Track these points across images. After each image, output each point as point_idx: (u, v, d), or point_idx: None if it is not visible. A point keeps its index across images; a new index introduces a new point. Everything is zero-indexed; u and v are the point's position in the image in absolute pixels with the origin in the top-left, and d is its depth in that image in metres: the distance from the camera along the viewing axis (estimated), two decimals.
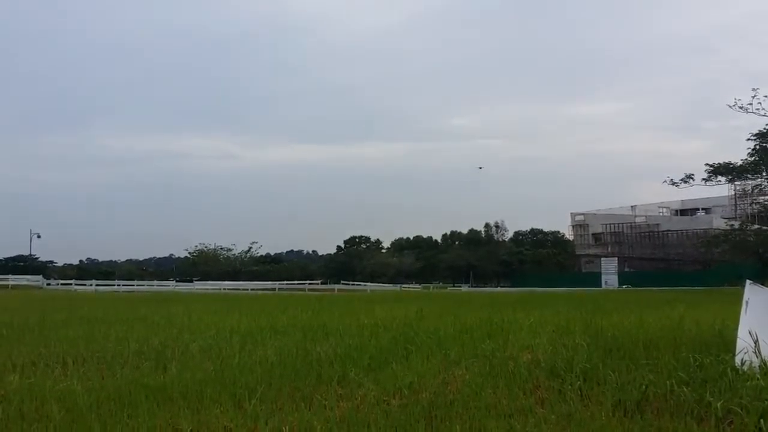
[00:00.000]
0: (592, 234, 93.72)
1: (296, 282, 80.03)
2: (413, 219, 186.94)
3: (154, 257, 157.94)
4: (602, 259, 79.00)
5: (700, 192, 64.85)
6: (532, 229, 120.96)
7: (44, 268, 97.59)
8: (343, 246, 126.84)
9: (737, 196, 71.13)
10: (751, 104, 48.47)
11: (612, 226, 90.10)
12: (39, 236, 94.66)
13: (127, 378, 7.72)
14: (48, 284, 71.68)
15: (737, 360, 6.91)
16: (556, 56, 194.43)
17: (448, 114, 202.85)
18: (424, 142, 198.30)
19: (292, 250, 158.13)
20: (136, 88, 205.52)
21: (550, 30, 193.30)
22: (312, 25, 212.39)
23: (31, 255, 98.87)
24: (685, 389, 6.08)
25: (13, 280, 68.69)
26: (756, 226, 60.41)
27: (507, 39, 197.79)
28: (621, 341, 8.98)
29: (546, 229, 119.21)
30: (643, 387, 6.24)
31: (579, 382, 6.64)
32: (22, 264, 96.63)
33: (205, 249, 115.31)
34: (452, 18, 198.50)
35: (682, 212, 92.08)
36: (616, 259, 77.80)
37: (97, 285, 69.42)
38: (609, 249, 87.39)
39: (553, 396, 6.34)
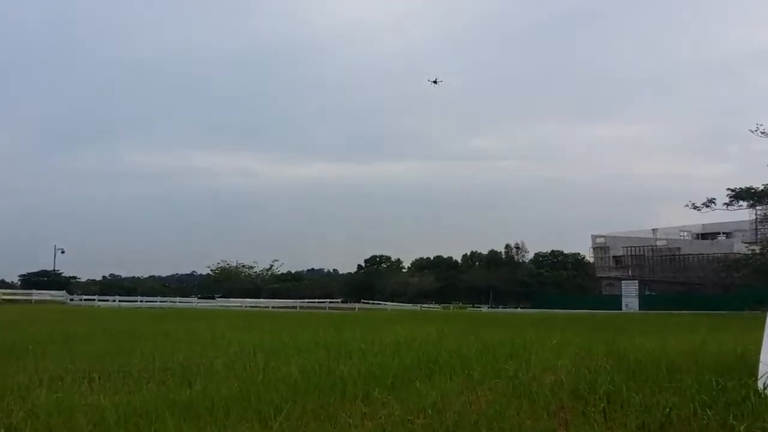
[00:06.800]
0: (613, 256, 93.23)
1: (317, 300, 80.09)
2: (433, 239, 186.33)
3: (177, 274, 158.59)
4: (623, 281, 78.48)
5: (722, 216, 64.55)
6: (553, 251, 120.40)
7: (67, 284, 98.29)
8: (363, 265, 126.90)
9: (758, 220, 70.66)
10: None
11: (633, 249, 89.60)
12: (63, 251, 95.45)
13: (153, 393, 7.80)
14: (71, 299, 72.08)
15: (760, 384, 6.90)
16: (578, 77, 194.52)
17: (468, 134, 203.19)
18: (444, 161, 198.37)
19: (312, 269, 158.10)
20: (159, 104, 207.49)
21: (572, 51, 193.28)
22: (333, 45, 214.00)
23: (54, 270, 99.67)
24: (708, 412, 6.08)
25: (36, 295, 69.48)
26: None
27: (527, 59, 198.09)
28: (644, 364, 8.95)
29: (566, 251, 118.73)
30: (667, 410, 6.24)
31: (603, 404, 6.64)
32: (45, 279, 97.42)
33: (227, 266, 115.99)
34: (473, 39, 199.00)
35: (704, 236, 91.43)
36: (637, 282, 77.21)
37: (120, 301, 69.88)
38: (630, 272, 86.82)
39: (577, 418, 6.35)
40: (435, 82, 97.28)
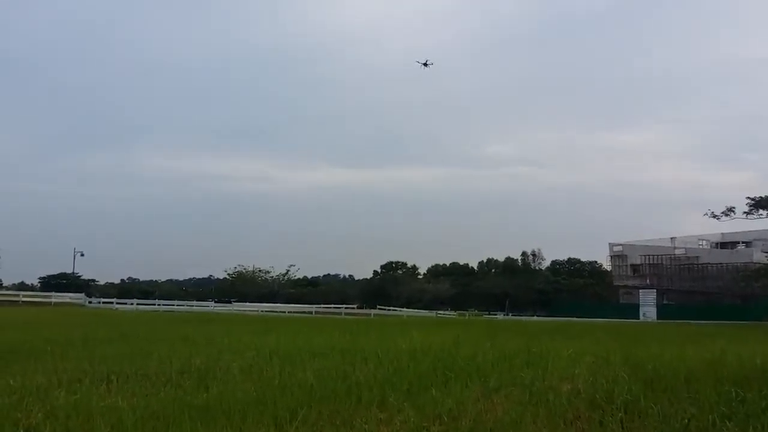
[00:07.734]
0: (631, 265, 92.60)
1: (333, 306, 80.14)
2: (450, 245, 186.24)
3: (194, 278, 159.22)
4: (640, 290, 77.96)
5: (742, 225, 64.04)
6: (570, 259, 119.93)
7: (86, 286, 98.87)
8: (379, 271, 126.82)
9: None
10: None
11: (651, 257, 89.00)
12: (82, 254, 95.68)
13: (170, 396, 7.85)
14: (90, 302, 72.38)
15: None
16: (595, 84, 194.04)
17: (485, 140, 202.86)
18: (460, 167, 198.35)
19: (328, 274, 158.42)
20: (178, 108, 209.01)
21: (589, 58, 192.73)
22: (348, 48, 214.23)
23: (74, 273, 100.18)
24: (728, 423, 6.04)
25: (56, 297, 69.84)
26: None
27: (544, 66, 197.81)
28: (662, 374, 8.90)
29: (584, 259, 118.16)
30: (686, 421, 6.20)
31: (620, 414, 6.60)
32: (64, 282, 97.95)
33: (244, 271, 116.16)
34: (488, 44, 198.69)
35: (723, 245, 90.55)
36: (655, 291, 76.66)
37: (138, 304, 70.27)
38: (648, 281, 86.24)
39: (594, 427, 6.32)
40: (425, 64, 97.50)
